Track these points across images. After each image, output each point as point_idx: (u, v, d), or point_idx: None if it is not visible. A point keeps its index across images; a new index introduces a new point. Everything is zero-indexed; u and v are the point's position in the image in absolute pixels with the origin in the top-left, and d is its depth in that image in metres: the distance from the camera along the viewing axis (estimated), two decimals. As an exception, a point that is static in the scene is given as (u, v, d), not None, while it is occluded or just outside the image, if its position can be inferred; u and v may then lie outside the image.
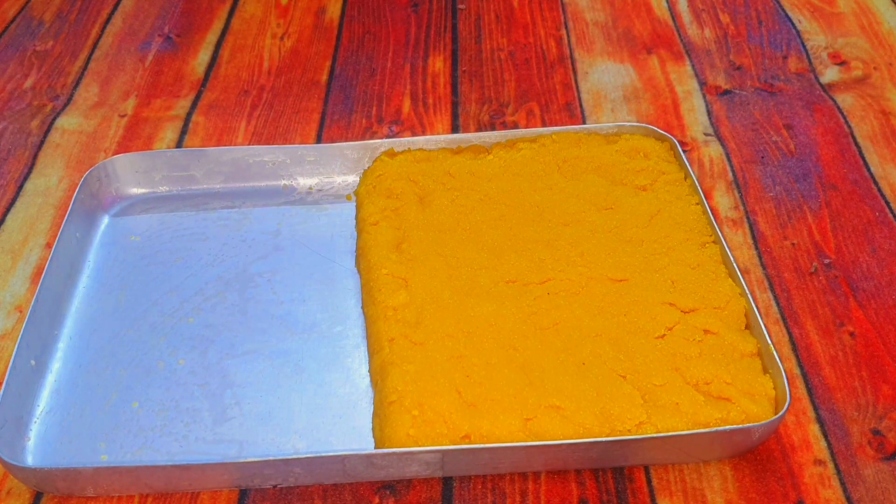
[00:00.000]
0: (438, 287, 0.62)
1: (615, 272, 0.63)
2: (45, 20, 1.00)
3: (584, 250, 0.65)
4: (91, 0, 1.03)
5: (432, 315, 0.60)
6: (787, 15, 0.97)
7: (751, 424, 0.53)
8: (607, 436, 0.54)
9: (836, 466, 0.56)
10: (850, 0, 0.99)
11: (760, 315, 0.60)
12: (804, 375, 0.61)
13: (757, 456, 0.56)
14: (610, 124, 0.76)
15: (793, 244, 0.70)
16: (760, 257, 0.69)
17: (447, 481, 0.56)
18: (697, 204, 0.68)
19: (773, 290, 0.67)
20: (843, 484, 0.55)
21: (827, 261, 0.69)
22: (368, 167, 0.74)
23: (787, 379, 0.56)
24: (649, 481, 0.55)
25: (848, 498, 0.54)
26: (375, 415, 0.57)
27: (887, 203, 0.74)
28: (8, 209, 0.75)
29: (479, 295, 0.62)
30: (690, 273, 0.63)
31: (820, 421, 0.58)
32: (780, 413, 0.54)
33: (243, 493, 0.55)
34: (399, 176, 0.71)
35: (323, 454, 0.54)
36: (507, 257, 0.64)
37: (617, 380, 0.56)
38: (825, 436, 0.58)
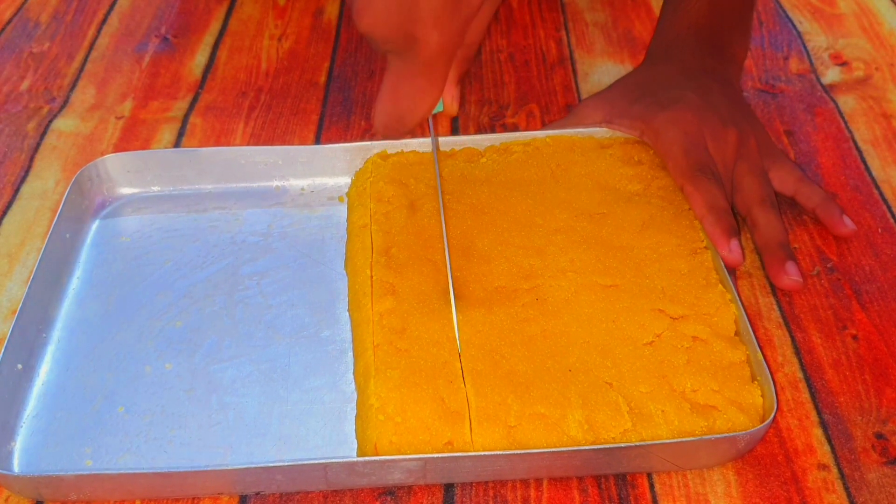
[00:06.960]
0: (426, 293, 0.61)
1: (605, 278, 0.62)
2: (42, 21, 0.99)
3: (574, 256, 0.64)
4: (87, 1, 1.03)
5: (418, 321, 0.59)
6: (787, 16, 0.96)
7: (735, 434, 0.53)
8: (591, 444, 0.53)
9: (840, 471, 0.55)
10: (850, 1, 0.98)
11: (750, 322, 0.59)
12: (807, 379, 0.60)
13: (760, 460, 0.56)
14: (604, 128, 0.75)
15: (794, 248, 0.69)
16: (762, 260, 0.68)
17: (448, 488, 0.55)
18: (690, 209, 0.67)
19: (774, 293, 0.66)
20: (846, 488, 0.54)
21: (829, 264, 0.68)
22: (360, 169, 0.73)
23: (776, 387, 0.55)
24: (652, 486, 0.55)
25: (852, 502, 0.54)
26: (358, 417, 0.57)
27: (889, 207, 0.73)
28: (4, 212, 0.75)
29: (467, 301, 0.61)
30: (681, 279, 0.62)
31: (823, 425, 0.58)
32: (766, 422, 0.53)
33: (243, 500, 0.55)
34: (390, 179, 0.70)
35: (304, 462, 0.53)
36: (496, 263, 0.63)
37: (603, 387, 0.56)
38: (829, 440, 0.57)
